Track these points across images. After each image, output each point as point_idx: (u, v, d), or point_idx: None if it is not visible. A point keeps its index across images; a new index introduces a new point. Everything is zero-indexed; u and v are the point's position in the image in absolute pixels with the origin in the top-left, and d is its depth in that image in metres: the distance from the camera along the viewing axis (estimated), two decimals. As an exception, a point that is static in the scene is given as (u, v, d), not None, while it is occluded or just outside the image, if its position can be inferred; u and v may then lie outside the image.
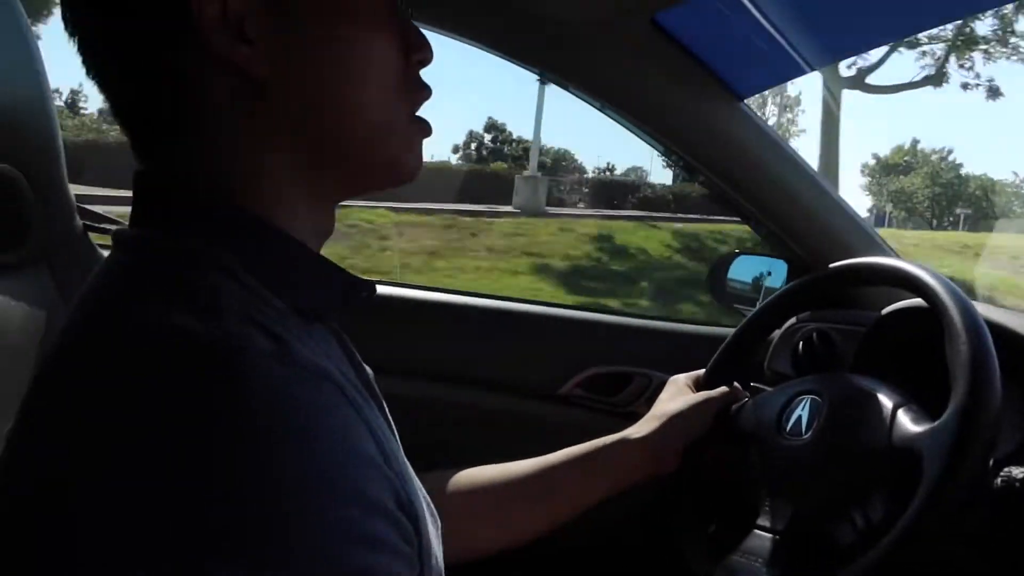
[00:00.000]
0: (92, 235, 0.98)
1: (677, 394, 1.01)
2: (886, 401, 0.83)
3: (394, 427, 0.64)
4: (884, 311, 1.04)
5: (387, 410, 0.62)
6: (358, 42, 0.54)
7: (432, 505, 0.62)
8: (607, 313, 1.50)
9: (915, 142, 47.91)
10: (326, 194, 0.57)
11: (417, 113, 0.60)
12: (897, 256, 1.15)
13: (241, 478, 0.39)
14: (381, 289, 1.33)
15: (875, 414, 0.83)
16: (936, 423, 0.76)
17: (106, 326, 0.46)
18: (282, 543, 0.39)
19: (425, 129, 0.60)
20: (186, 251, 0.49)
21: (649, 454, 0.92)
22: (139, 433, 0.40)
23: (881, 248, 1.24)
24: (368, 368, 0.63)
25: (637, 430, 0.94)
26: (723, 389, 1.00)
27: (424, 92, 0.60)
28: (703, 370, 1.07)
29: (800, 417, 0.89)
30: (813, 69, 1.20)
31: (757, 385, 1.05)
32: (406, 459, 0.57)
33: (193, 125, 0.52)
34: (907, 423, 0.79)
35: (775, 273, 1.38)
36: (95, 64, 0.53)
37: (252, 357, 0.43)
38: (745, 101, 1.17)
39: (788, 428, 0.90)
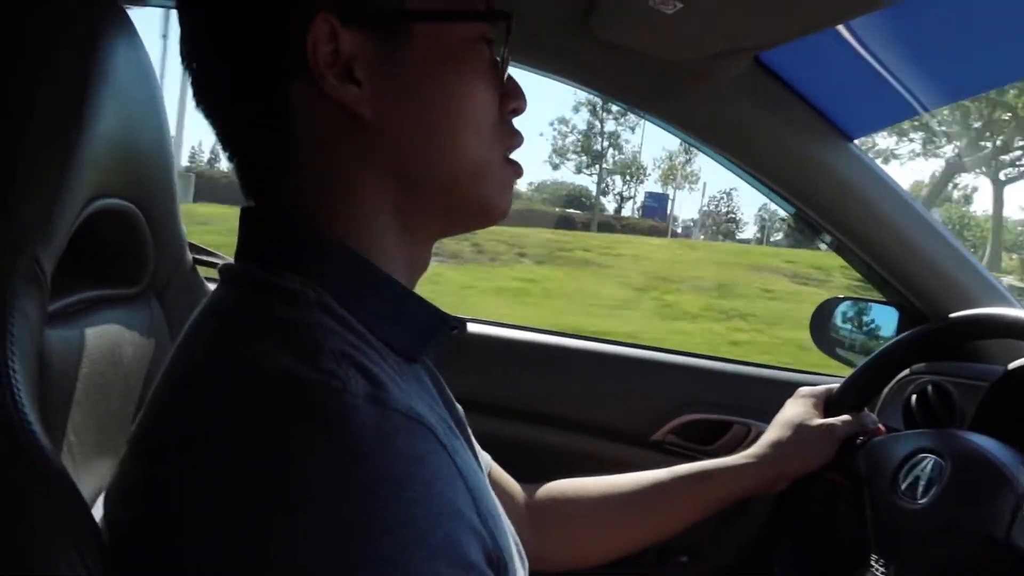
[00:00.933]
0: (201, 268, 1.03)
1: (804, 415, 0.97)
2: (1014, 484, 0.77)
3: (483, 464, 0.64)
4: (1010, 366, 0.97)
5: (476, 448, 0.62)
6: (460, 89, 0.56)
7: (521, 547, 0.62)
8: (705, 357, 1.45)
9: None
10: (421, 232, 0.59)
11: (510, 156, 0.61)
12: (1021, 307, 1.08)
13: (334, 524, 0.39)
14: (475, 327, 1.33)
15: (999, 498, 0.77)
16: None
17: (211, 367, 0.47)
18: None
19: (518, 171, 0.62)
20: (286, 289, 0.50)
21: (763, 481, 0.92)
22: (241, 472, 0.41)
23: (1004, 298, 1.16)
24: (459, 406, 0.63)
25: (755, 455, 0.93)
26: (847, 419, 0.96)
27: (517, 138, 0.61)
28: (835, 384, 1.03)
29: (918, 478, 0.84)
30: (928, 110, 1.15)
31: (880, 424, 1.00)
32: (495, 499, 0.56)
33: (298, 160, 0.54)
34: None
35: (885, 321, 1.32)
36: (208, 98, 0.55)
37: (350, 399, 0.43)
38: (855, 142, 1.12)
39: (904, 486, 0.85)
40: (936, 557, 0.79)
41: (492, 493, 0.56)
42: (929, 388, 1.09)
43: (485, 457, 0.85)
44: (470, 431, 0.66)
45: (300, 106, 0.53)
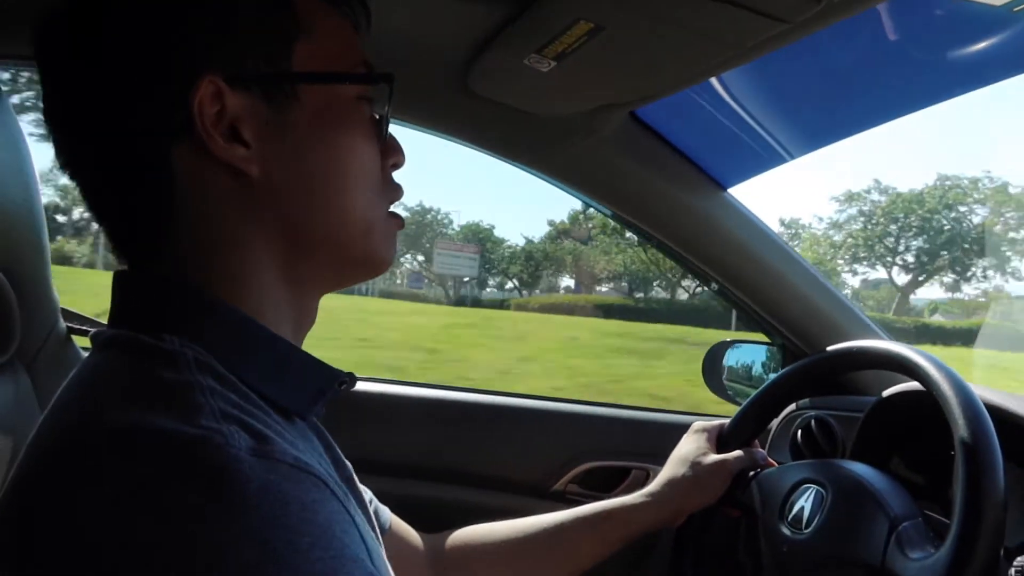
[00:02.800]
0: (77, 337, 0.97)
1: (698, 451, 0.99)
2: (887, 509, 0.81)
3: (376, 525, 0.64)
4: (883, 394, 1.02)
5: (368, 507, 0.61)
6: (345, 147, 0.56)
7: None
8: (599, 405, 1.47)
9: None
10: (309, 286, 0.59)
11: (391, 209, 0.62)
12: (889, 339, 1.14)
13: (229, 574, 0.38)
14: (364, 385, 1.30)
15: (875, 524, 0.81)
16: (930, 559, 0.74)
17: (86, 432, 0.45)
18: None
19: (400, 223, 0.63)
20: (163, 350, 0.48)
21: (661, 517, 0.94)
22: (124, 535, 0.39)
23: (874, 331, 1.23)
24: (348, 464, 0.63)
25: (652, 492, 0.95)
26: (739, 454, 0.99)
27: (398, 191, 0.63)
28: (727, 420, 1.06)
29: (803, 508, 0.88)
30: (794, 158, 1.22)
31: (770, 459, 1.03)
32: (386, 559, 0.55)
33: (179, 222, 0.52)
34: (903, 545, 0.77)
35: (769, 360, 1.37)
36: (75, 161, 0.53)
37: (233, 452, 0.42)
38: (729, 191, 1.18)
39: (790, 517, 0.89)
40: None
41: (384, 556, 0.55)
42: (812, 422, 1.13)
43: (384, 511, 0.84)
44: (361, 490, 0.64)
45: (183, 168, 0.51)
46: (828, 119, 1.16)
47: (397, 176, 0.63)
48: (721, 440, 1.04)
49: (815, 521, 0.85)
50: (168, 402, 0.44)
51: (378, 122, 0.60)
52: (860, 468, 0.88)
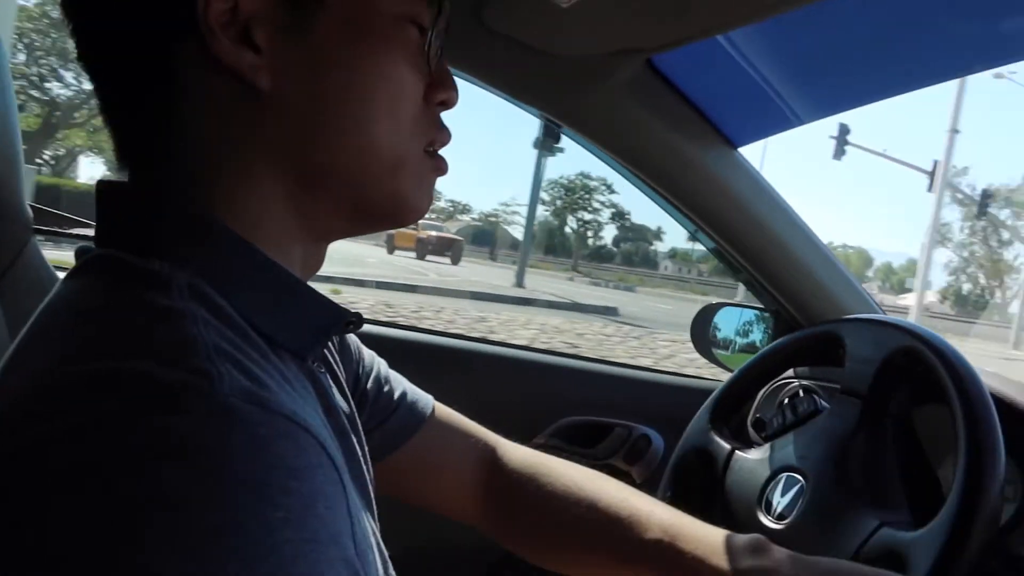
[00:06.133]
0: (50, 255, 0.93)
1: None
2: (870, 497, 0.81)
3: (369, 465, 0.59)
4: (876, 371, 1.01)
5: (359, 457, 0.57)
6: (377, 68, 0.49)
7: None
8: (585, 359, 1.45)
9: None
10: (320, 228, 0.53)
11: (434, 150, 0.56)
12: (886, 314, 1.13)
13: (185, 538, 0.33)
14: None
15: (857, 510, 0.80)
16: (922, 531, 0.72)
17: (60, 372, 0.39)
18: None
19: (440, 167, 0.56)
20: (153, 273, 0.43)
21: None
22: (87, 484, 0.34)
23: (873, 307, 1.21)
24: (344, 409, 0.57)
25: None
26: None
27: (443, 133, 0.56)
28: None
29: (782, 499, 0.88)
30: (803, 123, 1.18)
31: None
32: (370, 532, 0.50)
33: (178, 131, 0.47)
34: (892, 528, 0.76)
35: (761, 326, 1.35)
36: (88, 54, 0.48)
37: (223, 399, 0.37)
38: (740, 150, 1.14)
39: (769, 507, 0.89)
40: None
41: (371, 517, 0.52)
42: (800, 392, 1.12)
43: (424, 399, 0.80)
44: (360, 431, 0.60)
45: (185, 70, 0.46)
46: (841, 87, 1.14)
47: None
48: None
49: (795, 510, 0.85)
50: (154, 337, 0.39)
51: (425, 50, 0.53)
52: (843, 456, 0.87)
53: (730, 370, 1.21)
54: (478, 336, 1.38)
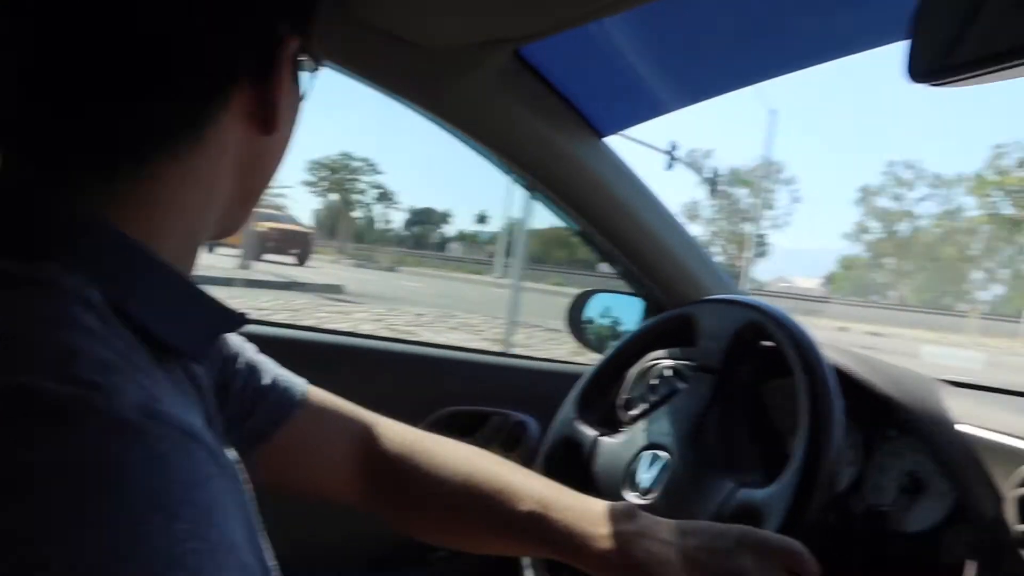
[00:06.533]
0: None
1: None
2: (726, 464, 0.86)
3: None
4: (726, 347, 1.06)
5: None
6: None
7: None
8: (460, 350, 1.45)
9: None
10: (204, 238, 0.54)
11: None
12: (746, 295, 1.19)
13: (101, 558, 0.31)
14: None
15: (714, 477, 0.85)
16: (772, 488, 0.78)
17: None
18: None
19: None
20: (36, 280, 0.40)
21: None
22: None
23: (730, 288, 1.27)
24: (212, 400, 0.56)
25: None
26: None
27: None
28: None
29: (646, 475, 0.92)
30: (672, 110, 1.23)
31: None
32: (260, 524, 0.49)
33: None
34: (749, 489, 0.82)
35: (631, 311, 1.40)
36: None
37: (115, 414, 0.35)
38: (605, 140, 1.17)
39: (634, 484, 0.93)
40: None
41: (258, 519, 0.50)
42: (665, 372, 1.16)
43: (297, 383, 0.78)
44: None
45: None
46: (704, 75, 1.18)
47: None
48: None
49: (660, 485, 0.89)
50: (37, 348, 0.37)
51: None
52: (701, 428, 0.93)
53: (602, 353, 1.25)
54: (346, 330, 1.35)
